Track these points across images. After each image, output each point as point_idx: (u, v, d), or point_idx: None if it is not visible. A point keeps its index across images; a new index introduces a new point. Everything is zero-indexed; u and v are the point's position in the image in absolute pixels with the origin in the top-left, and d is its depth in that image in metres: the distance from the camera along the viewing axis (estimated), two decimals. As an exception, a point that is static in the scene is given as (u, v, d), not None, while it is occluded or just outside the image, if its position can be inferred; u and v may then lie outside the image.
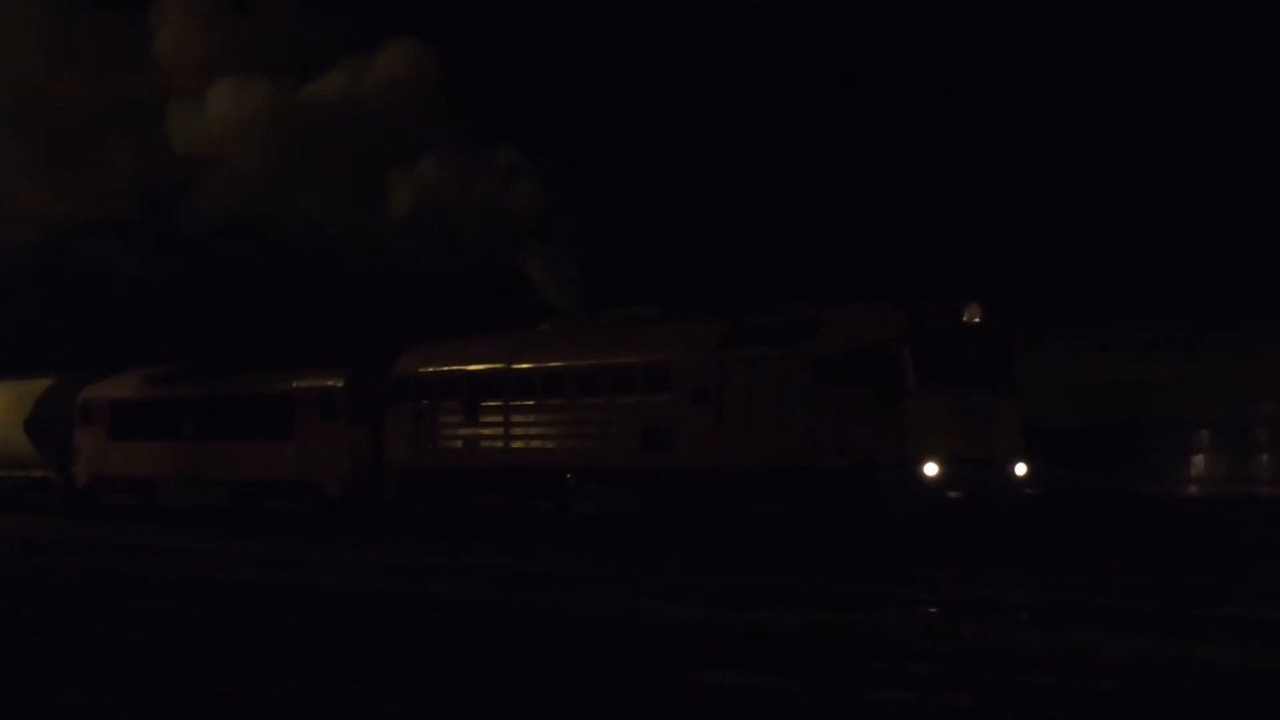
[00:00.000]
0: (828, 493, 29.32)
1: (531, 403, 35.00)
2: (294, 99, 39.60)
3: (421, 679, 14.70)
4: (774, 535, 30.36)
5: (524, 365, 35.33)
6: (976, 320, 29.03)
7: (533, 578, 25.60)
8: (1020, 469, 29.02)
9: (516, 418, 35.30)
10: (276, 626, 19.23)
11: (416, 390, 37.68)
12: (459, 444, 36.62)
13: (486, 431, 36.00)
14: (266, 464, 41.56)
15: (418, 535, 37.04)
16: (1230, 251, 33.80)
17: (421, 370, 37.71)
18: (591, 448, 33.59)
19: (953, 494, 28.32)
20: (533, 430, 34.90)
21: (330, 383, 40.30)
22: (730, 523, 31.09)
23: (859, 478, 28.79)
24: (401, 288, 41.13)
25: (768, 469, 30.33)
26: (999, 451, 28.95)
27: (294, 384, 40.92)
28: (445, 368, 37.20)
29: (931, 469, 28.20)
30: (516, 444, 35.25)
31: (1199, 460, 31.44)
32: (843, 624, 18.75)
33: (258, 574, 27.19)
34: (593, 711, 13.07)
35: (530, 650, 16.77)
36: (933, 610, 21.22)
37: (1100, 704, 13.04)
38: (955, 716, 12.91)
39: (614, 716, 12.93)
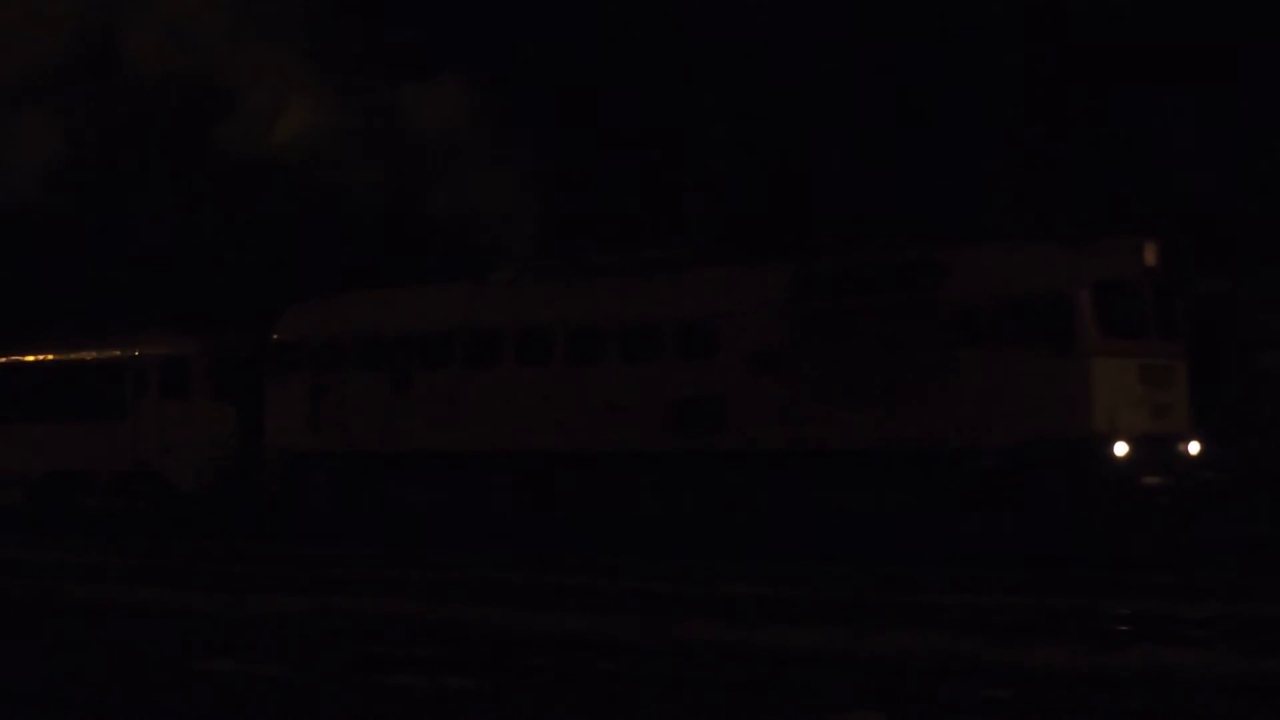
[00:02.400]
0: (968, 481, 23.00)
1: (498, 371, 27.51)
2: None
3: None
4: (875, 533, 23.91)
5: (487, 323, 27.78)
6: (1155, 264, 23.21)
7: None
8: (1194, 447, 23.33)
9: (475, 391, 27.74)
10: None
11: (315, 357, 29.64)
12: (382, 425, 28.79)
13: (426, 409, 28.31)
14: (83, 451, 32.61)
15: (302, 540, 29.11)
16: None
17: (322, 332, 29.68)
18: (593, 427, 26.36)
19: (1149, 480, 22.42)
20: (500, 406, 27.39)
21: (180, 348, 31.73)
22: (805, 518, 24.47)
23: (1020, 461, 22.55)
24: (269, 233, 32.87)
25: (872, 453, 23.80)
26: (1176, 426, 23.21)
27: (128, 350, 32.10)
28: (360, 328, 29.28)
29: (1122, 449, 22.21)
30: (473, 424, 27.68)
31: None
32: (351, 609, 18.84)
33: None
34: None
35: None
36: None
37: (609, 685, 13.27)
38: (462, 699, 12.80)
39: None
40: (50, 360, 33.30)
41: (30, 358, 33.58)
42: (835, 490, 24.19)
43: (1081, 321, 22.37)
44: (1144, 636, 15.58)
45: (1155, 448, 22.59)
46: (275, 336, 30.20)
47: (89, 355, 32.44)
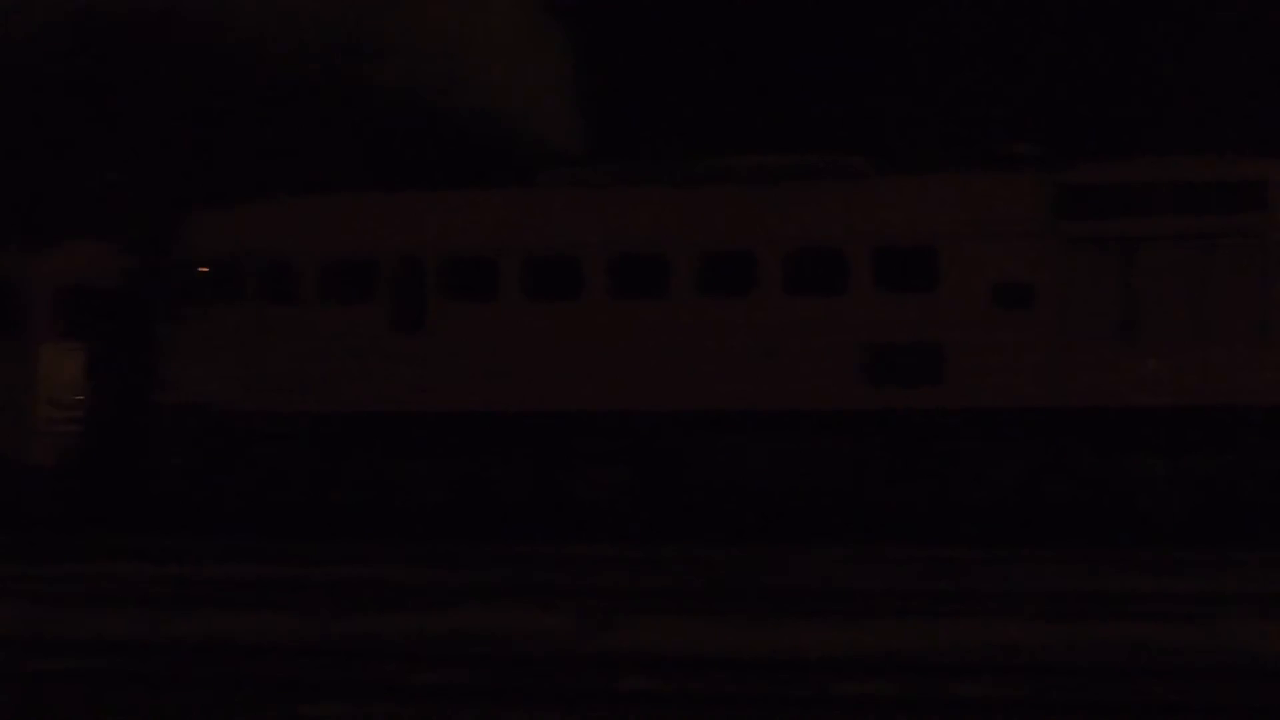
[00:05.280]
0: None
1: (580, 305, 20.65)
2: None
3: None
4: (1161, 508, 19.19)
5: (558, 240, 20.81)
6: None
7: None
8: None
9: (539, 330, 20.72)
10: None
11: (255, 282, 21.59)
12: (375, 376, 21.11)
13: (455, 354, 20.95)
14: None
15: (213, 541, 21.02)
16: None
17: (266, 248, 21.63)
18: (739, 379, 20.08)
19: None
20: (584, 352, 20.54)
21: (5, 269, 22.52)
22: (1049, 489, 19.41)
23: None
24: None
25: (1167, 411, 19.07)
26: None
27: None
28: (334, 244, 21.49)
29: None
30: (536, 376, 20.63)
31: None
32: None
33: None
34: None
35: None
36: None
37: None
38: None
39: None
40: None
41: None
42: (1108, 457, 19.27)
43: None
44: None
45: None
46: (183, 253, 21.83)
47: None
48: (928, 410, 19.58)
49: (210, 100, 24.29)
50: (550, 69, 22.80)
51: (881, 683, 10.67)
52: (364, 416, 21.14)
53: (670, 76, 26.09)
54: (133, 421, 21.94)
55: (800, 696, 10.44)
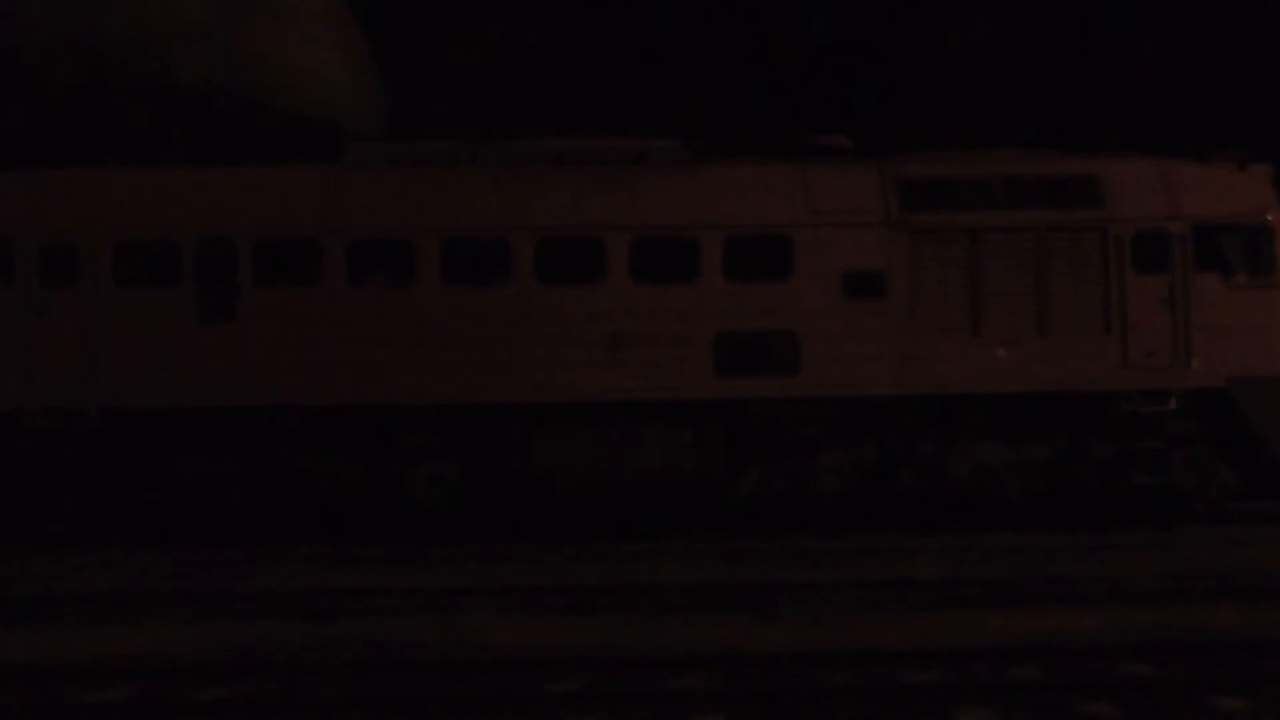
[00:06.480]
0: (1142, 427, 19.47)
1: (413, 292, 19.37)
2: None
3: None
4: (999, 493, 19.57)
5: (383, 223, 19.45)
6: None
7: None
8: None
9: (368, 319, 19.32)
10: None
11: (32, 263, 19.43)
12: (179, 368, 19.25)
13: (271, 344, 19.29)
14: None
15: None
16: None
17: (46, 225, 19.46)
18: (585, 370, 19.28)
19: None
20: (416, 341, 19.28)
21: None
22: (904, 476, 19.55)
23: (1217, 404, 19.40)
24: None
25: (1013, 397, 19.42)
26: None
27: None
28: (129, 224, 19.47)
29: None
30: (364, 368, 19.23)
31: None
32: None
33: None
34: None
35: None
36: None
37: None
38: None
39: None
40: None
41: None
42: (951, 442, 19.50)
43: (1294, 249, 19.77)
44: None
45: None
46: (-58, 232, 19.40)
47: None
48: (780, 399, 19.30)
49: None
50: (345, 48, 21.46)
51: (126, 688, 11.00)
52: (165, 413, 19.23)
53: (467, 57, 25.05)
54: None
55: (38, 704, 10.62)
